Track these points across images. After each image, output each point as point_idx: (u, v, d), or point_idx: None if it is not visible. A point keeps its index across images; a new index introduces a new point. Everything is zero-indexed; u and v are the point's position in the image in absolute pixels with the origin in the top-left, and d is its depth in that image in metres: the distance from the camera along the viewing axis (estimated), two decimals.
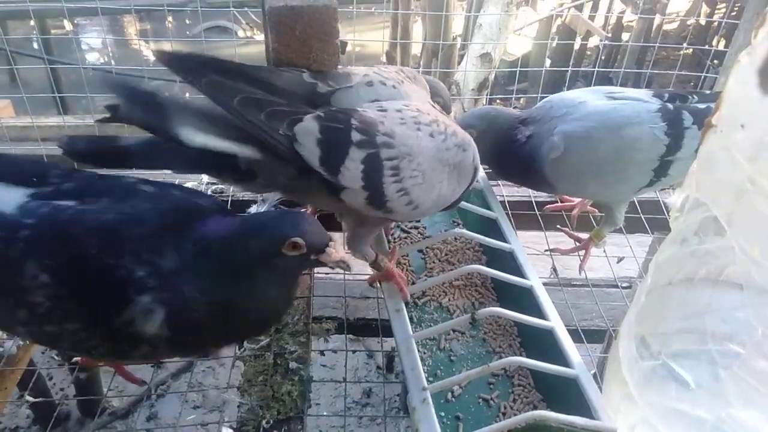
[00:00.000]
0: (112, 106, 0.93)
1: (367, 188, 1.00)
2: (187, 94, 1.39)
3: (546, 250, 1.62)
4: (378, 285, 1.27)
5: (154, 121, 0.91)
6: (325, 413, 2.27)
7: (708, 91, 1.45)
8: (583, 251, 1.58)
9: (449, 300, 1.31)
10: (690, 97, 1.37)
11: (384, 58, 3.27)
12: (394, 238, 1.45)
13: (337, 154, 0.97)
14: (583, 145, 1.29)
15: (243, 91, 0.94)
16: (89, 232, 0.85)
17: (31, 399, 1.64)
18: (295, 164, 0.97)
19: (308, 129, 0.95)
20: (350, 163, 0.98)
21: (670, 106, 1.31)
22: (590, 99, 1.35)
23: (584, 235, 1.62)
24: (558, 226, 1.66)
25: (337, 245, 0.94)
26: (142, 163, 1.05)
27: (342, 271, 0.99)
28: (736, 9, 2.84)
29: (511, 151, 1.37)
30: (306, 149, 0.95)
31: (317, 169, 0.96)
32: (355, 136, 0.98)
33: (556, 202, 1.73)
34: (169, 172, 1.32)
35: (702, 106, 1.32)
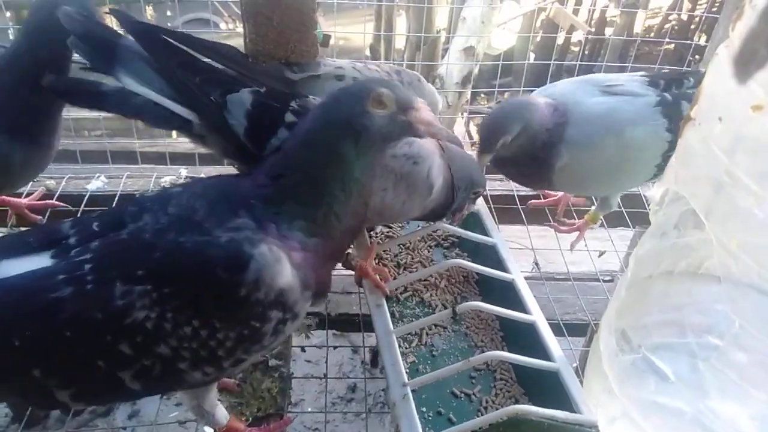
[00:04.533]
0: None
1: None
2: None
3: (545, 223, 1.65)
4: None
5: (99, 62, 0.92)
6: (309, 409, 2.26)
7: (704, 69, 1.41)
8: (579, 231, 1.60)
9: (431, 295, 1.30)
10: (686, 80, 1.34)
11: (368, 52, 3.25)
12: (377, 234, 1.44)
13: (264, 130, 0.97)
14: (587, 153, 1.27)
15: (188, 56, 0.95)
16: (163, 231, 0.78)
17: None
18: (225, 134, 0.97)
19: (241, 100, 0.95)
20: (276, 142, 0.97)
21: (668, 96, 1.29)
22: (586, 97, 1.30)
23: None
24: (546, 224, 1.67)
25: (423, 104, 0.85)
26: (116, 108, 1.02)
27: (435, 138, 0.90)
28: (717, 4, 2.86)
29: (530, 158, 1.31)
30: (234, 119, 0.95)
31: (243, 141, 0.96)
32: (289, 117, 0.97)
33: (539, 197, 1.74)
34: None
35: None
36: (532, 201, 1.70)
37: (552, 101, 1.29)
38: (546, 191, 1.71)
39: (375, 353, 2.19)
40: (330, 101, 0.84)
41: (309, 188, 0.82)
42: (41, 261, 0.78)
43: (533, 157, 1.29)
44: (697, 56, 2.59)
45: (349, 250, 1.28)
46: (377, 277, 1.22)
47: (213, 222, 0.78)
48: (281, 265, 0.77)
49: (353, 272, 1.26)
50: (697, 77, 1.36)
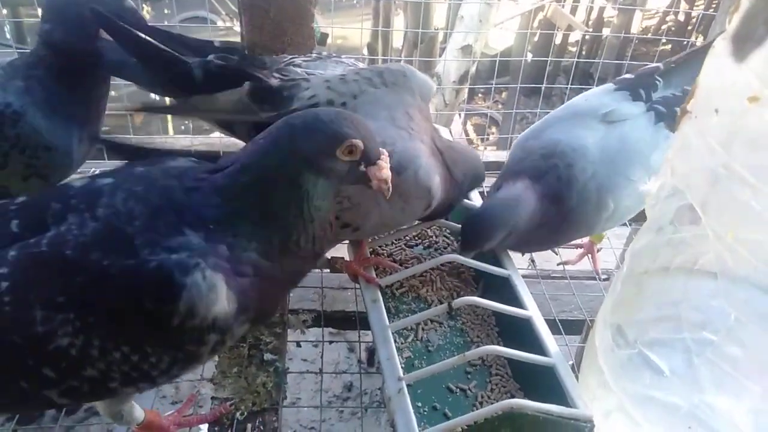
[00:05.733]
0: None
1: None
2: None
3: (558, 264, 1.62)
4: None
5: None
6: (305, 407, 2.25)
7: (659, 64, 1.37)
8: (590, 255, 1.58)
9: (427, 291, 1.30)
10: (656, 81, 1.33)
11: (365, 51, 3.25)
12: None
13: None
14: (626, 192, 1.24)
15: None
16: (86, 249, 0.72)
17: None
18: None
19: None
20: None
21: (661, 108, 1.28)
22: (592, 136, 1.26)
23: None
24: (558, 264, 1.64)
25: (386, 161, 0.85)
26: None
27: (382, 195, 0.87)
28: (714, 5, 2.87)
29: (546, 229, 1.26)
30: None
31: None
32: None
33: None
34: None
35: (677, 92, 1.30)
36: (569, 262, 1.63)
37: (549, 163, 1.23)
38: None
39: (371, 351, 2.19)
40: (300, 129, 0.79)
41: (265, 213, 0.78)
42: None
43: (559, 228, 1.25)
44: None
45: (333, 255, 1.27)
46: (368, 272, 1.22)
47: (149, 237, 0.72)
48: (215, 293, 0.72)
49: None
50: (660, 72, 1.34)
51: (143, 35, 1.04)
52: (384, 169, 0.84)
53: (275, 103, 1.03)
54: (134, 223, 0.73)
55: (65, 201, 0.77)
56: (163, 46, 1.06)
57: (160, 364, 0.75)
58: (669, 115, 1.26)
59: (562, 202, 1.22)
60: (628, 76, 1.39)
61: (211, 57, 1.06)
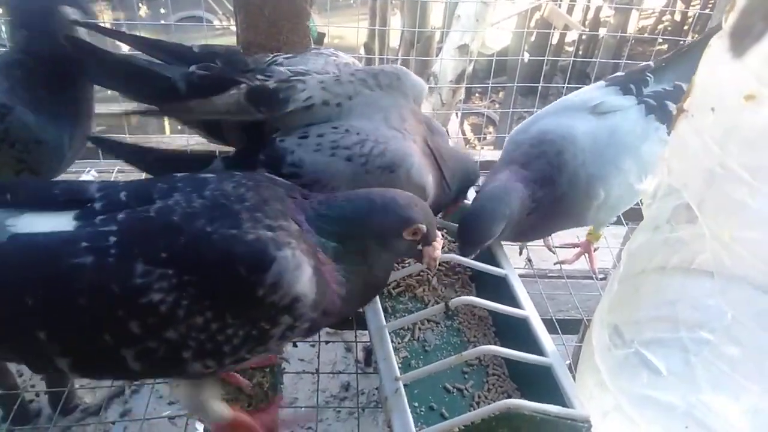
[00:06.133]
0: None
1: None
2: None
3: (555, 263, 1.62)
4: None
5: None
6: (302, 407, 2.25)
7: (650, 62, 1.38)
8: (587, 254, 1.57)
9: (424, 290, 1.30)
10: (647, 77, 1.33)
11: (362, 51, 3.24)
12: None
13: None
14: (616, 181, 1.24)
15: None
16: (193, 216, 0.78)
17: None
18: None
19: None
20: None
21: (651, 101, 1.28)
22: (582, 125, 1.26)
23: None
24: (555, 263, 1.63)
25: (440, 243, 0.94)
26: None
27: (428, 269, 0.99)
28: (711, 4, 2.88)
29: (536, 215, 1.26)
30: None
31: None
32: (262, 171, 1.01)
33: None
34: None
35: (669, 87, 1.30)
36: (565, 261, 1.61)
37: (538, 151, 1.24)
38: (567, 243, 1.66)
39: (368, 351, 2.18)
40: (379, 207, 0.88)
41: (342, 238, 0.87)
42: (64, 221, 0.78)
43: (551, 213, 1.25)
44: None
45: None
46: None
47: (254, 215, 0.79)
48: (300, 271, 0.78)
49: None
50: (656, 72, 1.34)
51: (119, 54, 1.05)
52: (438, 250, 0.93)
53: (272, 104, 1.05)
54: (244, 204, 0.80)
55: (171, 183, 0.83)
56: (141, 63, 1.07)
57: (234, 339, 0.78)
58: (659, 107, 1.26)
59: (553, 185, 1.22)
60: (619, 74, 1.40)
61: (192, 68, 1.06)
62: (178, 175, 0.88)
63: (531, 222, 1.25)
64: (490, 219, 1.18)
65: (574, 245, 1.62)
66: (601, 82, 1.37)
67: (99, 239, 0.75)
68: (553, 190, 1.22)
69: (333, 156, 1.03)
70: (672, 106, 1.26)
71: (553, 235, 1.57)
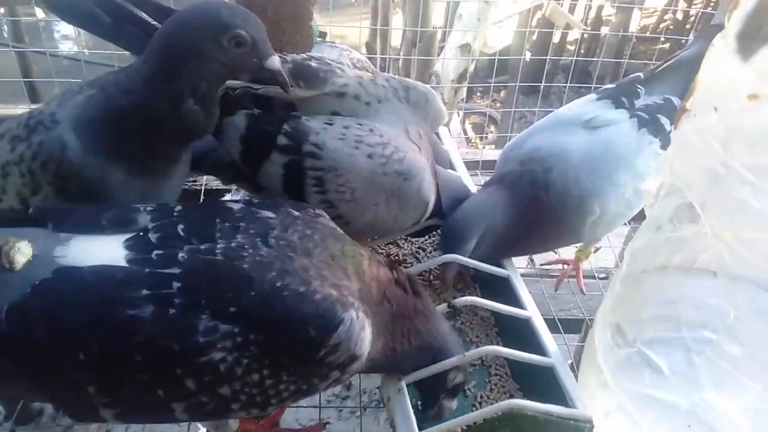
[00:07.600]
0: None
1: (286, 191, 1.03)
2: None
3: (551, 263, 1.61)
4: None
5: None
6: (304, 406, 2.25)
7: (640, 73, 1.37)
8: (575, 272, 1.56)
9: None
10: (636, 89, 1.33)
11: (364, 50, 3.25)
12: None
13: (257, 154, 1.00)
14: (612, 197, 1.23)
15: None
16: (263, 268, 0.73)
17: None
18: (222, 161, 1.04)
19: (235, 123, 0.98)
20: (270, 166, 1.01)
21: (644, 115, 1.27)
22: (575, 141, 1.24)
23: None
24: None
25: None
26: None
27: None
28: (712, 3, 2.87)
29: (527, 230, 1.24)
30: (229, 142, 1.00)
31: (238, 163, 1.00)
32: (281, 140, 1.00)
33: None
34: None
35: (659, 101, 1.30)
36: (558, 280, 1.60)
37: (526, 170, 1.22)
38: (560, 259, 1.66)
39: None
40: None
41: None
42: (114, 249, 0.72)
43: (539, 230, 1.25)
44: None
45: None
46: None
47: (321, 273, 0.77)
48: (365, 332, 0.77)
49: None
50: (645, 84, 1.34)
51: None
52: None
53: (311, 80, 1.04)
54: (311, 259, 0.78)
55: (232, 222, 0.79)
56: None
57: (284, 393, 0.76)
58: (652, 121, 1.25)
59: (539, 203, 1.21)
60: (609, 86, 1.40)
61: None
62: (235, 207, 0.82)
63: (517, 237, 1.24)
64: (464, 227, 1.19)
65: (563, 262, 1.61)
66: (593, 95, 1.37)
67: (160, 284, 0.69)
68: (541, 207, 1.21)
69: (356, 149, 1.03)
70: (664, 120, 1.25)
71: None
